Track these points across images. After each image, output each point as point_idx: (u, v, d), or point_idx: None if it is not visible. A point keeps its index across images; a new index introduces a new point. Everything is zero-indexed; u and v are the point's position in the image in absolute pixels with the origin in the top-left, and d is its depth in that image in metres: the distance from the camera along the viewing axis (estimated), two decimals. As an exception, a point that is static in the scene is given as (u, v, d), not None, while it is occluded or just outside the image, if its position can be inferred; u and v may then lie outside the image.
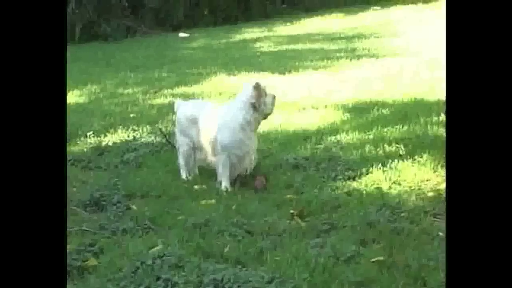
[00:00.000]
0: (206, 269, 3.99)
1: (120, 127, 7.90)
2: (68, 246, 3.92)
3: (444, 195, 5.14)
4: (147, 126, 7.90)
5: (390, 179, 5.63)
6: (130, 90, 10.82)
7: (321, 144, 6.82)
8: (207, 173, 6.02)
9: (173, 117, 6.39)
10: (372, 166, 5.92)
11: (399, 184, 5.56)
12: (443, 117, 7.33)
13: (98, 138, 7.50)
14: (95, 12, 19.90)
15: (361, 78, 10.41)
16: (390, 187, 5.51)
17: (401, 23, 17.57)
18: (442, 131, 6.82)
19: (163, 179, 5.98)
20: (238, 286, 3.79)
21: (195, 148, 6.00)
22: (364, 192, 5.43)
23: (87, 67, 13.70)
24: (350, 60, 12.32)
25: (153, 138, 7.36)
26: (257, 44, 16.45)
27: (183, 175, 6.04)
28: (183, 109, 6.09)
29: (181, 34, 19.48)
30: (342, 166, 5.99)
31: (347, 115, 7.98)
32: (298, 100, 8.85)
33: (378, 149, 6.41)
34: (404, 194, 5.32)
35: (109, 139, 7.45)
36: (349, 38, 15.74)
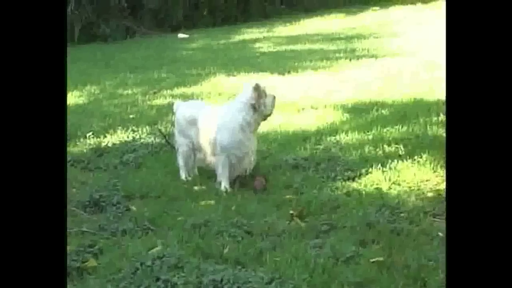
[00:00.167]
0: (205, 270, 3.99)
1: (120, 128, 7.90)
2: (68, 247, 3.92)
3: (443, 195, 5.15)
4: (147, 127, 7.90)
5: (389, 180, 5.63)
6: (129, 91, 10.82)
7: (320, 144, 6.82)
8: (207, 173, 6.01)
9: (173, 118, 6.39)
10: (372, 166, 5.93)
11: (399, 184, 5.56)
12: (442, 117, 7.33)
13: (98, 139, 7.50)
14: (94, 13, 19.90)
15: (360, 78, 10.41)
16: (389, 188, 5.51)
17: (400, 23, 17.58)
18: (441, 131, 6.82)
19: (162, 179, 5.98)
20: (238, 287, 3.79)
21: (195, 148, 6.00)
22: (363, 192, 5.42)
23: (86, 68, 13.70)
24: (350, 60, 12.32)
25: (152, 139, 7.35)
26: (257, 45, 16.45)
27: (183, 175, 6.04)
28: (183, 110, 6.08)
29: (181, 35, 19.48)
30: (342, 167, 5.99)
31: (347, 115, 7.98)
32: (297, 101, 8.85)
33: (378, 150, 6.41)
34: (403, 195, 5.32)
35: (109, 140, 7.44)
36: (348, 39, 15.74)
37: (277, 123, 7.49)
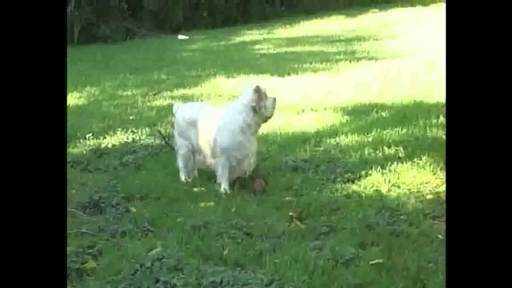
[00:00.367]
0: (205, 272, 3.98)
1: (119, 129, 7.90)
2: (67, 248, 3.91)
3: (443, 197, 5.15)
4: (146, 128, 7.90)
5: (389, 182, 5.63)
6: (129, 92, 10.82)
7: (320, 146, 6.82)
8: (206, 175, 6.02)
9: (172, 119, 6.38)
10: (371, 168, 5.93)
11: (398, 186, 5.56)
12: (442, 119, 7.33)
13: (97, 140, 7.49)
14: (94, 13, 19.89)
15: (360, 80, 10.41)
16: (389, 190, 5.51)
17: (400, 25, 17.57)
18: (441, 133, 6.82)
19: (162, 181, 5.98)
20: (237, 289, 3.79)
21: (194, 150, 6.00)
22: (363, 194, 5.43)
23: (86, 69, 13.69)
24: (349, 62, 12.32)
25: (152, 140, 7.35)
26: (257, 47, 16.45)
27: (182, 177, 6.04)
28: (182, 112, 6.08)
29: (180, 36, 19.48)
30: (341, 169, 5.99)
31: (346, 117, 7.98)
32: (297, 102, 8.84)
33: (377, 152, 6.41)
34: (403, 197, 5.32)
35: (108, 141, 7.44)
36: (348, 40, 15.74)
37: (276, 124, 7.48)
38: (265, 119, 5.82)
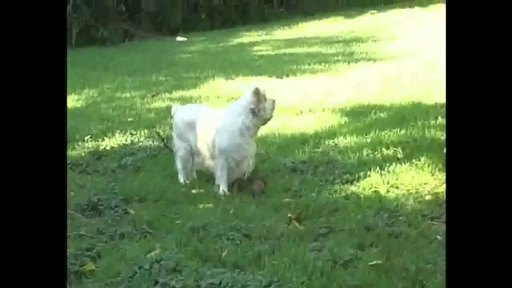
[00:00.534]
0: (204, 273, 3.99)
1: (118, 131, 7.90)
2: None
3: (441, 198, 5.17)
4: (145, 130, 7.89)
5: (388, 183, 5.63)
6: (127, 94, 10.81)
7: (319, 147, 6.82)
8: (205, 177, 6.01)
9: (171, 121, 6.38)
10: (370, 169, 5.93)
11: (397, 187, 5.56)
12: (440, 120, 7.34)
13: (96, 142, 7.49)
14: (92, 16, 19.88)
15: (358, 81, 10.41)
16: (388, 191, 5.51)
17: (398, 26, 17.59)
18: (439, 134, 6.83)
19: (161, 183, 5.97)
20: (236, 290, 3.79)
21: (193, 152, 6.00)
22: (362, 195, 5.43)
23: (84, 71, 13.66)
24: (348, 63, 12.32)
25: (151, 142, 7.35)
26: (255, 48, 16.45)
27: (181, 179, 6.04)
28: (181, 113, 6.08)
29: (179, 38, 19.48)
30: (340, 170, 5.99)
31: (345, 118, 7.98)
32: (296, 104, 8.84)
33: (376, 153, 6.41)
34: (402, 198, 5.32)
35: (107, 143, 7.44)
36: (346, 42, 15.74)
37: (275, 126, 7.48)
38: (264, 121, 5.81)
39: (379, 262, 4.14)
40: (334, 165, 6.13)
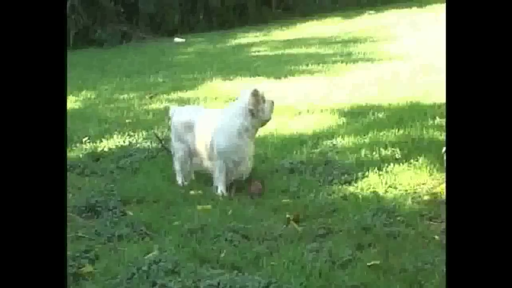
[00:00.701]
0: (202, 275, 3.98)
1: (116, 132, 7.89)
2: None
3: (439, 198, 5.18)
4: (143, 132, 7.89)
5: (386, 183, 5.63)
6: (125, 96, 10.81)
7: (317, 148, 6.82)
8: (203, 178, 6.01)
9: (169, 123, 6.38)
10: (368, 170, 5.93)
11: (395, 188, 5.57)
12: (438, 120, 7.35)
13: (94, 144, 7.48)
14: (89, 17, 19.87)
15: (356, 82, 10.41)
16: (386, 191, 5.51)
17: (396, 27, 17.57)
18: (437, 134, 6.83)
19: (159, 184, 5.97)
20: (235, 291, 3.79)
21: (191, 153, 5.99)
22: (360, 196, 5.43)
23: (82, 73, 13.66)
24: (346, 64, 12.33)
25: (149, 143, 7.35)
26: (253, 49, 16.45)
27: (179, 180, 6.03)
28: (179, 115, 6.07)
29: (177, 39, 19.48)
30: (338, 170, 5.99)
31: (343, 119, 7.99)
32: (294, 105, 8.84)
33: (374, 153, 6.41)
34: (400, 198, 5.32)
35: (105, 145, 7.43)
36: (344, 42, 15.75)
37: (273, 127, 7.48)
38: (263, 123, 5.81)
39: (377, 262, 4.14)
40: (332, 166, 6.12)
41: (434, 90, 8.82)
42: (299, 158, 6.45)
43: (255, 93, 5.64)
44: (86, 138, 7.67)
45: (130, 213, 5.26)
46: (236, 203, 5.40)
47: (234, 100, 6.29)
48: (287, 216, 4.99)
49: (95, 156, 7.03)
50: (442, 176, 5.59)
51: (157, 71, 13.29)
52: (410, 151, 6.37)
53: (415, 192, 5.44)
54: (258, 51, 15.93)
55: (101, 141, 7.58)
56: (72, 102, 10.31)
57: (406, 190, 5.49)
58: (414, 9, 20.72)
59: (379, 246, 4.42)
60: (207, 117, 5.92)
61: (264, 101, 5.70)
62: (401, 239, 4.52)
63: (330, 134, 7.30)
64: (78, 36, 19.46)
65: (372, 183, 5.67)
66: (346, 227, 4.74)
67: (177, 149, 6.04)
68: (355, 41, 15.74)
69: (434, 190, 5.42)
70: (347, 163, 6.20)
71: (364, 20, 20.21)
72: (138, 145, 7.36)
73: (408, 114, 7.87)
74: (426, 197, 5.32)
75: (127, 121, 8.73)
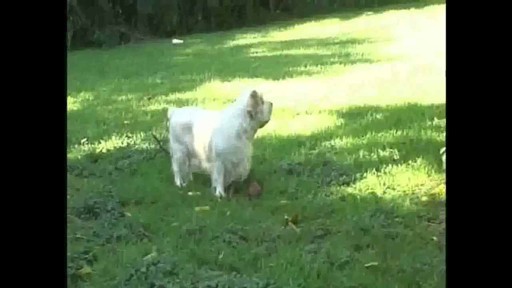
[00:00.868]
0: (200, 276, 3.97)
1: (114, 134, 7.89)
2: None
3: (438, 199, 5.19)
4: (141, 133, 7.88)
5: (384, 184, 5.63)
6: (124, 97, 10.80)
7: (315, 149, 6.81)
8: (201, 179, 6.01)
9: (167, 124, 6.38)
10: (366, 171, 5.93)
11: (393, 188, 5.56)
12: (436, 121, 7.35)
13: (92, 145, 7.48)
14: (87, 18, 19.85)
15: (354, 83, 10.41)
16: (384, 192, 5.51)
17: (394, 28, 17.58)
18: (435, 135, 6.84)
19: (157, 185, 5.96)
20: (233, 293, 3.79)
21: (189, 154, 5.99)
22: (358, 197, 5.42)
23: (80, 74, 13.62)
24: (344, 65, 12.33)
25: (147, 144, 7.34)
26: (251, 50, 16.45)
27: (177, 181, 6.03)
28: (177, 116, 6.07)
29: (175, 40, 19.46)
30: (336, 171, 5.98)
31: (341, 120, 7.98)
32: (292, 106, 8.84)
33: (372, 154, 6.41)
34: (398, 199, 5.32)
35: (103, 146, 7.43)
36: (342, 43, 15.75)
37: (271, 128, 7.47)
38: (262, 124, 5.80)
39: (376, 263, 4.14)
40: (331, 167, 6.12)
41: (432, 91, 8.82)
42: (297, 159, 6.45)
43: (254, 95, 5.63)
44: (84, 140, 7.66)
45: (129, 214, 5.25)
46: (235, 204, 5.40)
47: (232, 101, 6.29)
48: (285, 217, 4.99)
49: (94, 157, 7.03)
50: (440, 177, 5.59)
51: (155, 72, 13.27)
52: (408, 152, 6.37)
53: (413, 193, 5.44)
54: (257, 52, 15.93)
55: (99, 142, 7.58)
56: (70, 104, 10.29)
57: (404, 191, 5.49)
58: (413, 9, 20.73)
59: (377, 247, 4.42)
60: (206, 118, 5.91)
61: (263, 102, 5.69)
62: (399, 240, 4.52)
63: (329, 135, 7.29)
64: (76, 37, 19.44)
65: (370, 184, 5.67)
66: (344, 228, 4.73)
67: (175, 150, 6.04)
68: (353, 42, 15.75)
69: (432, 191, 5.42)
70: (345, 164, 6.20)
71: (363, 21, 20.21)
72: (136, 146, 7.35)
73: (406, 115, 7.87)
74: (424, 198, 5.32)
75: (125, 122, 8.73)
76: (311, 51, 15.09)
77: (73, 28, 19.29)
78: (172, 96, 10.39)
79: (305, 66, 12.54)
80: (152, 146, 7.18)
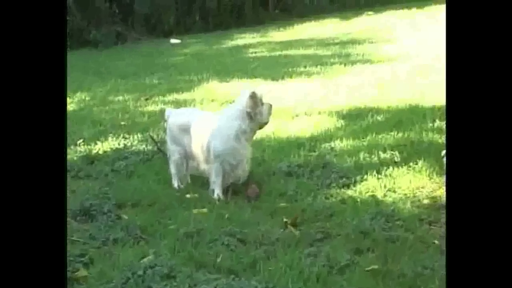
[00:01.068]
0: (198, 279, 3.96)
1: (111, 135, 7.85)
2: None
3: (439, 202, 5.17)
4: (138, 134, 7.84)
5: (385, 187, 5.59)
6: (121, 98, 10.75)
7: (314, 151, 6.77)
8: (199, 181, 5.96)
9: (165, 125, 6.33)
10: (367, 173, 5.89)
11: (394, 191, 5.53)
12: (438, 123, 7.32)
13: (89, 147, 7.43)
14: (84, 18, 19.81)
15: (355, 84, 10.38)
16: (385, 195, 5.47)
17: (394, 28, 17.58)
18: (437, 137, 6.80)
19: (154, 187, 5.92)
20: (231, 297, 3.75)
21: (187, 156, 5.94)
22: (358, 200, 5.38)
23: (77, 74, 13.54)
24: (344, 66, 12.30)
25: (144, 146, 7.30)
26: (250, 50, 16.42)
27: (175, 183, 5.98)
28: (175, 117, 6.03)
29: (173, 40, 19.43)
30: (336, 174, 5.95)
31: (341, 121, 7.95)
32: (291, 107, 8.81)
33: (373, 156, 6.38)
34: (399, 202, 5.29)
35: (100, 147, 7.38)
36: (342, 44, 15.73)
37: (270, 129, 7.42)
38: (261, 126, 5.77)
39: (376, 267, 4.11)
40: (330, 169, 6.08)
41: (433, 92, 8.78)
42: (296, 161, 6.41)
43: (254, 96, 5.59)
44: (81, 141, 7.63)
45: (125, 216, 5.21)
46: (233, 207, 5.35)
47: (231, 102, 6.24)
48: (285, 220, 4.95)
49: (90, 159, 6.98)
50: (442, 179, 5.55)
51: (153, 73, 13.24)
52: (409, 154, 6.34)
53: (414, 196, 5.40)
54: (255, 53, 15.90)
55: (95, 143, 7.53)
56: (67, 104, 10.25)
57: (405, 194, 5.45)
58: (413, 10, 20.74)
59: (378, 250, 4.38)
60: (204, 120, 5.87)
61: (262, 103, 5.66)
62: (400, 244, 4.48)
63: (328, 136, 7.25)
64: (72, 37, 19.35)
65: (370, 186, 5.63)
66: (344, 231, 4.70)
67: (173, 151, 5.99)
68: (353, 42, 15.74)
69: (433, 194, 5.39)
70: (345, 166, 6.16)
71: (363, 21, 20.21)
72: (133, 147, 7.31)
73: (407, 117, 7.83)
74: (425, 201, 5.29)
75: (122, 123, 8.68)
76: (310, 51, 15.07)
77: (69, 28, 19.23)
78: (169, 97, 10.35)
79: (305, 66, 12.50)
80: (149, 147, 7.14)
